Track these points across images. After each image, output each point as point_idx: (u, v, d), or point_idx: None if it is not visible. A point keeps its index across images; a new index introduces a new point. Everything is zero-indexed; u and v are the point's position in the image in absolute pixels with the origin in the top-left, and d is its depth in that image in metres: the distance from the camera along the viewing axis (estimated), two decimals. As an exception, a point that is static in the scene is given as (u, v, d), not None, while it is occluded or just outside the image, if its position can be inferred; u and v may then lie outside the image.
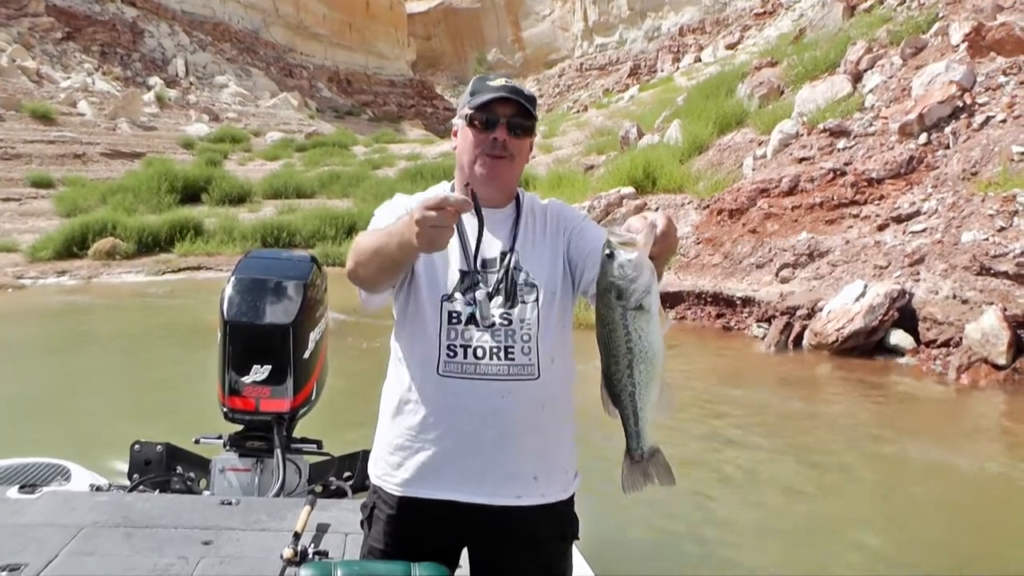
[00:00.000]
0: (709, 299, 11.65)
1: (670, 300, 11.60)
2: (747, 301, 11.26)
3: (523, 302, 2.21)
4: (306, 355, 3.35)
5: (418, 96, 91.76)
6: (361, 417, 6.28)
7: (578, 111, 58.67)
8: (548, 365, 2.21)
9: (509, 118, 2.22)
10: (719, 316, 11.50)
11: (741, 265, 11.83)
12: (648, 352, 1.89)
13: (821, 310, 10.04)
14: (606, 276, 1.87)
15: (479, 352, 2.17)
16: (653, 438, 1.97)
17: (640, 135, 21.28)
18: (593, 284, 2.02)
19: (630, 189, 15.23)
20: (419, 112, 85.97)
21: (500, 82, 2.26)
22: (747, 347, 10.50)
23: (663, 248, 1.86)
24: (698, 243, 12.80)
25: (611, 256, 1.86)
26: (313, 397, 3.50)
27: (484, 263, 2.23)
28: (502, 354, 2.17)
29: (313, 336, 3.40)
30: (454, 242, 2.19)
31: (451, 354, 2.18)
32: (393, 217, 2.17)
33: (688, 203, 13.98)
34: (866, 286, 9.96)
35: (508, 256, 2.24)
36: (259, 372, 3.24)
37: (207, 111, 51.24)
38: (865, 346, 9.62)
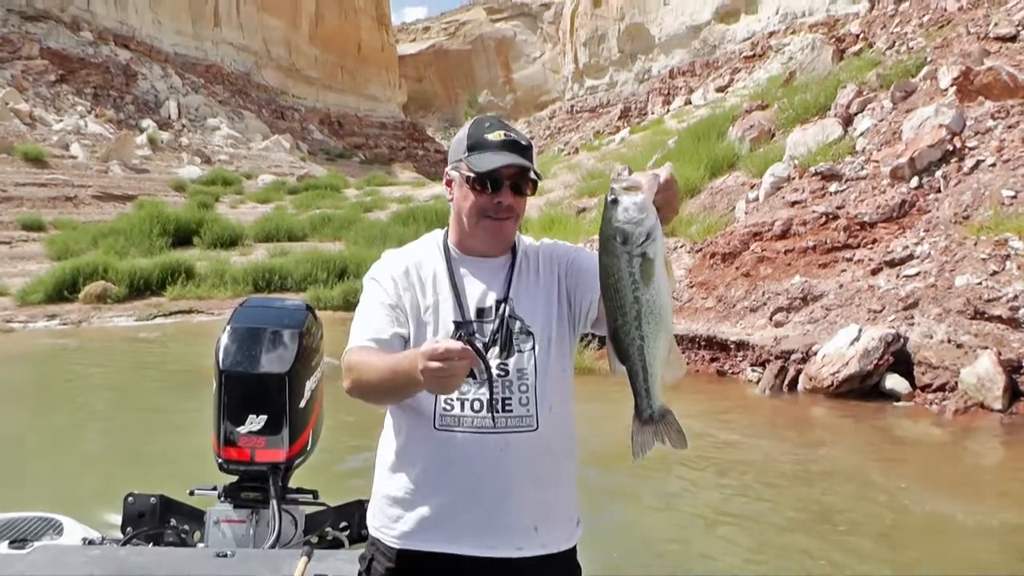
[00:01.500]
0: (703, 343, 11.49)
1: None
2: (741, 345, 11.09)
3: (519, 351, 2.20)
4: (302, 404, 3.34)
5: (409, 138, 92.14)
6: (357, 466, 6.30)
7: (569, 153, 58.90)
8: (547, 414, 2.19)
9: (513, 179, 2.22)
10: (713, 360, 11.34)
11: (735, 309, 11.72)
12: (656, 303, 1.87)
13: (816, 354, 9.85)
14: (611, 223, 1.86)
15: (476, 405, 2.16)
16: (663, 397, 1.94)
17: None
18: (594, 305, 2.08)
19: (622, 232, 15.12)
20: (410, 154, 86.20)
21: (499, 135, 2.22)
22: (742, 391, 10.37)
23: (666, 197, 1.90)
24: (691, 287, 12.64)
25: (615, 202, 1.86)
26: (309, 447, 3.47)
27: (480, 313, 2.22)
28: (499, 406, 2.16)
29: (309, 385, 3.38)
30: (447, 292, 2.22)
31: (447, 407, 2.17)
32: (387, 291, 2.22)
33: (681, 246, 13.86)
34: (860, 330, 9.87)
35: (503, 305, 2.23)
36: (255, 422, 3.21)
37: (199, 153, 51.33)
38: (861, 390, 9.49)
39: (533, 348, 2.21)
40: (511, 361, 2.19)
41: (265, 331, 3.30)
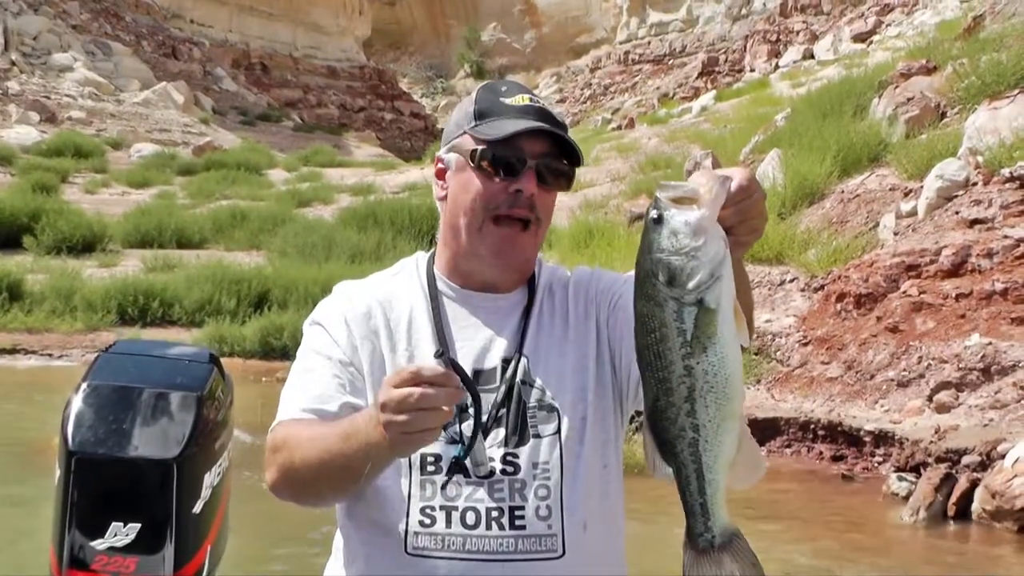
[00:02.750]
0: (821, 432, 9.82)
1: (759, 430, 9.92)
2: (882, 438, 9.38)
3: (537, 436, 1.84)
4: (197, 508, 2.62)
5: (372, 93, 69.40)
6: None
7: (620, 126, 44.07)
8: (579, 535, 1.81)
9: (540, 159, 1.86)
10: (837, 459, 9.65)
11: (873, 381, 9.99)
12: (719, 376, 1.52)
13: (1003, 457, 8.18)
14: (651, 252, 1.50)
15: (469, 517, 1.80)
16: (727, 515, 1.59)
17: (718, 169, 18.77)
18: None
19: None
20: (372, 119, 66.44)
21: (522, 99, 1.89)
22: (880, 511, 8.61)
23: (741, 212, 1.51)
24: (805, 344, 10.88)
25: (659, 220, 1.48)
26: (205, 572, 2.70)
27: (477, 376, 1.84)
28: (506, 520, 1.80)
29: (209, 479, 2.66)
30: (429, 344, 1.88)
31: (426, 521, 1.82)
32: (337, 341, 1.91)
33: (791, 280, 12.15)
34: (1083, 422, 8.31)
35: (513, 364, 1.86)
36: (120, 534, 2.51)
37: (38, 107, 40.30)
38: (1079, 519, 7.70)
39: (558, 432, 1.85)
40: (523, 451, 1.82)
41: (142, 393, 2.65)
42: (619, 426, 1.95)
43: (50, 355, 14.41)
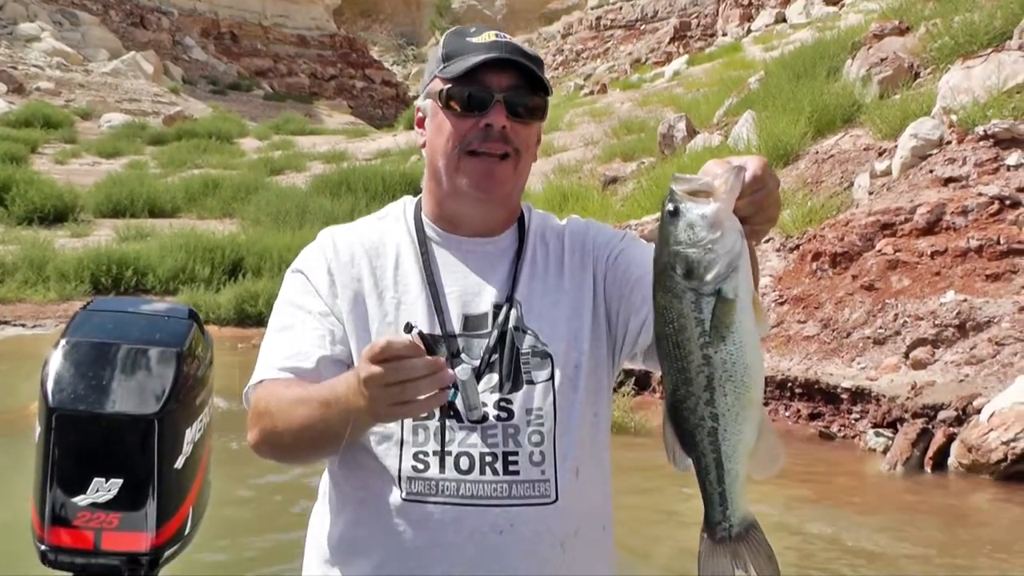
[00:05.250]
0: (799, 390, 9.94)
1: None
2: (859, 395, 9.51)
3: (530, 382, 1.83)
4: (179, 464, 2.61)
5: (343, 62, 69.58)
6: (268, 563, 6.03)
7: (593, 92, 43.62)
8: (571, 480, 1.82)
9: (508, 92, 1.83)
10: (814, 416, 9.77)
11: (850, 339, 10.11)
12: (737, 365, 1.52)
13: (979, 412, 8.48)
14: (668, 245, 1.50)
15: (463, 462, 1.78)
16: (746, 505, 1.60)
17: (691, 133, 18.78)
18: (649, 326, 1.72)
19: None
20: (344, 87, 66.34)
21: (488, 36, 1.87)
22: (859, 465, 8.87)
23: (757, 202, 1.51)
24: (781, 303, 10.91)
25: (675, 213, 1.49)
26: (188, 530, 2.67)
27: (467, 322, 1.85)
28: (499, 465, 1.78)
29: (190, 435, 2.65)
30: (417, 290, 1.86)
31: (420, 467, 1.80)
32: (318, 290, 1.87)
33: (766, 241, 12.04)
34: (1055, 376, 8.50)
35: (505, 310, 1.85)
36: (103, 490, 2.51)
37: (5, 78, 40.57)
38: (1052, 470, 8.07)
39: (551, 379, 1.83)
40: (516, 397, 1.81)
41: (120, 349, 2.63)
42: (610, 379, 1.93)
43: (23, 325, 14.33)
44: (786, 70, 18.80)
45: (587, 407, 1.86)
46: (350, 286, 1.86)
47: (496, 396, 1.80)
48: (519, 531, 1.76)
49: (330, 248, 1.92)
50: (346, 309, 1.85)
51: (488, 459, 1.77)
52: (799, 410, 9.82)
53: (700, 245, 1.45)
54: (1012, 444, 8.02)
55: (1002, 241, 9.85)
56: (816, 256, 11.09)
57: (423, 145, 1.92)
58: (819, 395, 9.79)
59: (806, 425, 9.67)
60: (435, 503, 1.77)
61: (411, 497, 1.77)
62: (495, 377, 1.80)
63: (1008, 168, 10.82)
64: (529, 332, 1.84)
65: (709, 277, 1.45)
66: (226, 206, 22.42)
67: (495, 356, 1.81)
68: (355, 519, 1.84)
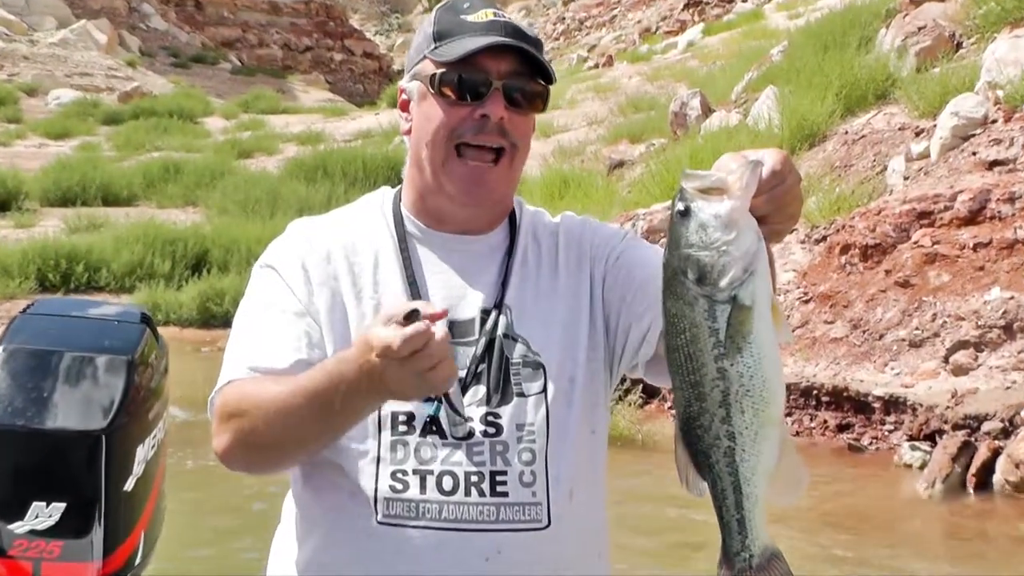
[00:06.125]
0: (826, 398, 9.59)
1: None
2: (893, 404, 9.17)
3: (521, 395, 1.77)
4: (129, 486, 2.63)
5: (320, 32, 65.73)
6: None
7: (597, 64, 42.14)
8: (565, 503, 1.75)
9: (508, 79, 1.76)
10: (843, 427, 9.44)
11: (882, 342, 9.75)
12: (755, 378, 1.50)
13: None
14: (678, 247, 1.49)
15: (446, 482, 1.72)
16: (767, 533, 1.56)
17: (706, 111, 18.29)
18: (653, 335, 1.73)
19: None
20: (320, 60, 62.88)
21: (485, 15, 1.79)
22: (892, 482, 8.61)
23: (776, 199, 1.48)
24: (806, 302, 10.65)
25: (685, 212, 1.48)
26: (139, 559, 2.71)
27: (452, 329, 1.68)
28: (486, 485, 1.73)
29: (142, 453, 2.68)
30: (399, 290, 1.80)
31: (398, 487, 1.73)
32: (292, 287, 1.79)
33: (790, 231, 12.08)
34: (1111, 385, 8.16)
35: (493, 316, 1.79)
36: (43, 515, 2.51)
37: None
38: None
39: (544, 392, 1.78)
40: (506, 411, 1.75)
41: (64, 357, 2.64)
42: (608, 389, 1.89)
43: (-38, 326, 13.85)
44: (812, 40, 18.46)
45: (583, 423, 1.82)
46: (327, 284, 1.79)
47: (483, 410, 1.77)
48: (507, 558, 1.73)
49: (303, 242, 1.84)
50: (323, 309, 1.78)
51: (474, 479, 1.73)
52: (826, 420, 9.44)
53: (713, 247, 1.46)
54: (1066, 463, 7.68)
55: (1054, 233, 9.69)
56: (845, 249, 10.68)
57: (407, 132, 1.86)
58: (848, 404, 9.41)
59: (833, 437, 9.32)
60: (415, 527, 1.73)
61: (388, 520, 1.74)
62: (482, 389, 1.76)
63: (1061, 151, 10.63)
64: (520, 340, 1.80)
65: (724, 282, 1.47)
66: (189, 193, 21.74)
67: (482, 366, 1.77)
68: (324, 543, 1.77)
